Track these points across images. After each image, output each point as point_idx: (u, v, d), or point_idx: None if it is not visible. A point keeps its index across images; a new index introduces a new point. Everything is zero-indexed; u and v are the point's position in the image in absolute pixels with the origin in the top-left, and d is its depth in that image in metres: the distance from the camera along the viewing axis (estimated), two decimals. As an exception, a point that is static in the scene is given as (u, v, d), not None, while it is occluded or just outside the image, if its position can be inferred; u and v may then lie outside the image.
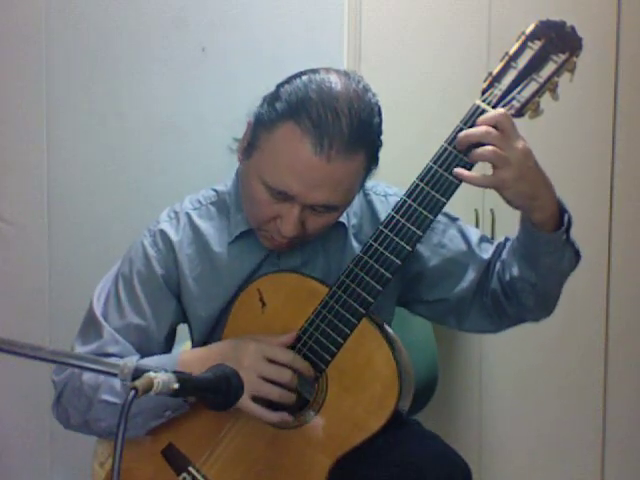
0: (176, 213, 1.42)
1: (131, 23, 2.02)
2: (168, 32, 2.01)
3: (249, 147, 1.27)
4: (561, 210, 1.26)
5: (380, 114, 1.26)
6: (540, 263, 1.29)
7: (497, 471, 2.17)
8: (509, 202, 1.22)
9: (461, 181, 1.21)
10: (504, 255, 1.38)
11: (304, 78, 1.23)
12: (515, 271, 1.33)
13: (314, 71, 1.24)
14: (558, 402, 2.15)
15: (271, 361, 1.24)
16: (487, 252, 1.42)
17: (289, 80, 1.25)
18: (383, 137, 1.29)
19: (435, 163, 1.22)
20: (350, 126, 1.19)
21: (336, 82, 1.21)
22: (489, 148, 1.17)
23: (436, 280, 1.42)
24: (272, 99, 1.24)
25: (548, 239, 1.25)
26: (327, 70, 1.25)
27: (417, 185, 1.24)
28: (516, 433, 2.17)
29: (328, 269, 1.39)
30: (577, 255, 1.33)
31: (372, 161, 1.28)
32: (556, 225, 1.25)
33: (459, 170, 1.21)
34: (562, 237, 1.26)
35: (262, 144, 1.24)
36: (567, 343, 2.12)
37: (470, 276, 1.40)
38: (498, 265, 1.39)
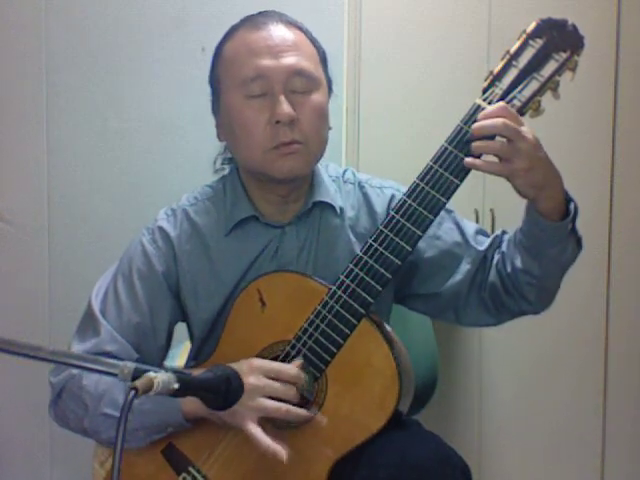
0: (173, 210, 1.43)
1: (131, 23, 2.02)
2: (168, 32, 2.01)
3: (215, 100, 1.40)
4: (567, 198, 1.26)
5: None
6: (544, 254, 1.28)
7: (497, 471, 2.16)
8: (519, 191, 1.21)
9: (461, 181, 1.20)
10: (504, 248, 1.37)
11: None
12: (518, 263, 1.32)
13: None
14: (558, 402, 2.15)
15: (274, 379, 1.23)
16: (483, 244, 1.41)
17: None
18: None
19: (435, 163, 1.22)
20: (280, 17, 1.35)
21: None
22: (497, 142, 1.17)
23: (430, 273, 1.41)
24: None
25: (555, 228, 1.25)
26: None
27: (417, 185, 1.23)
28: (516, 433, 2.17)
29: (325, 260, 1.39)
30: (579, 246, 1.33)
31: (324, 60, 1.37)
32: (562, 214, 1.25)
33: (469, 160, 1.20)
34: (568, 226, 1.26)
35: (221, 75, 1.37)
36: (567, 343, 2.12)
37: (464, 268, 1.39)
38: (497, 258, 1.38)
